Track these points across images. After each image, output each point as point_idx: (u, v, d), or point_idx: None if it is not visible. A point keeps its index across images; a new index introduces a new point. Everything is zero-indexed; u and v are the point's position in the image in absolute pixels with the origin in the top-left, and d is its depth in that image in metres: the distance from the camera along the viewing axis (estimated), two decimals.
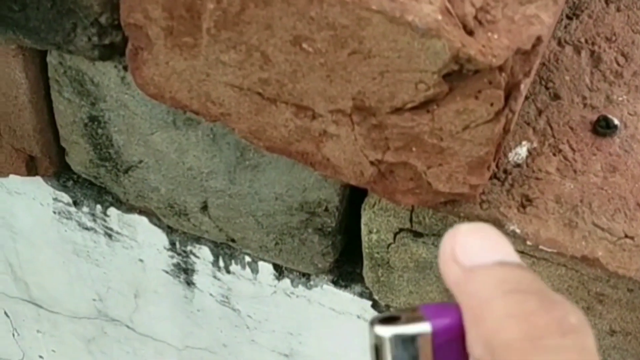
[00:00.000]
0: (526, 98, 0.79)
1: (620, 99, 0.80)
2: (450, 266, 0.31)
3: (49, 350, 1.26)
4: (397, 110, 0.64)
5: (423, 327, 0.31)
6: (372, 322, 0.32)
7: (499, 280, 0.30)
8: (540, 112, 0.79)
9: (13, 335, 1.27)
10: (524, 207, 0.73)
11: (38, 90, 0.83)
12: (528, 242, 0.72)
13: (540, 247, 0.72)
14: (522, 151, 0.76)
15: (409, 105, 0.63)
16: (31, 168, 0.91)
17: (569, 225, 0.73)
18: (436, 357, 0.31)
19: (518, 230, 0.72)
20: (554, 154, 0.76)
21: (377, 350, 0.31)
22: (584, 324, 0.29)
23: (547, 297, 0.29)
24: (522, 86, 0.62)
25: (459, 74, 0.60)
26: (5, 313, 1.23)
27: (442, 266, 0.32)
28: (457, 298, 0.31)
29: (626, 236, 0.72)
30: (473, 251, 0.31)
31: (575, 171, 0.76)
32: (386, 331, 0.31)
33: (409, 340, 0.31)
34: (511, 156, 0.76)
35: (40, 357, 1.29)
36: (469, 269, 0.30)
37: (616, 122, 0.78)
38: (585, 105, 0.80)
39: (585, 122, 0.79)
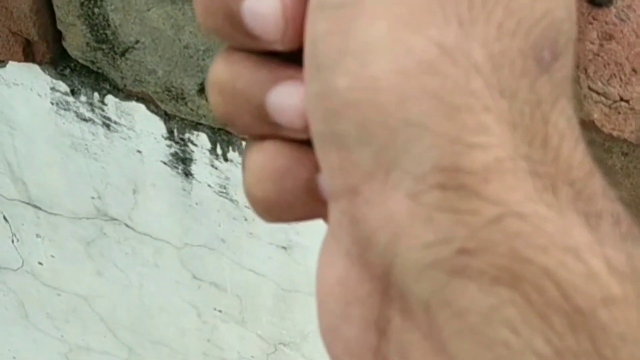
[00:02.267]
0: None
1: None
2: None
3: (48, 256, 1.27)
4: None
5: None
6: None
7: None
8: None
9: (12, 241, 1.28)
10: None
11: None
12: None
13: None
14: None
15: None
16: (28, 53, 0.91)
17: None
18: None
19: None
20: None
21: None
22: None
23: None
24: None
25: None
26: (4, 217, 1.24)
27: None
28: None
29: (621, 99, 0.73)
30: None
31: None
32: None
33: None
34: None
35: (40, 263, 1.30)
36: None
37: None
38: None
39: None
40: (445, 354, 0.24)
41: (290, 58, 0.30)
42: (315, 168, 0.30)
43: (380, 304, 0.26)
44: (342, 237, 0.27)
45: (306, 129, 0.29)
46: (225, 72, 0.31)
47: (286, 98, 0.30)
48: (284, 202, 0.31)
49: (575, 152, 0.25)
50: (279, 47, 0.29)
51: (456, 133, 0.24)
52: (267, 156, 0.31)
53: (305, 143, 0.30)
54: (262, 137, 0.31)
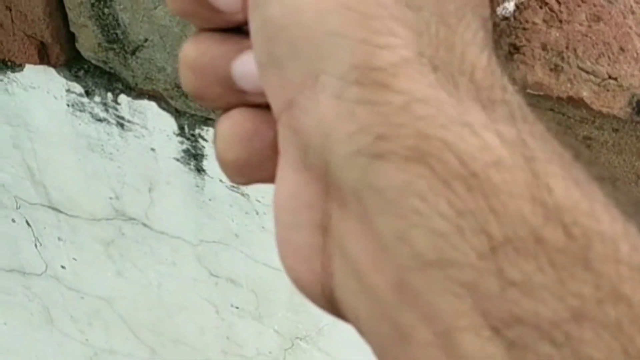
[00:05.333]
0: None
1: None
2: None
3: (70, 259, 1.31)
4: None
5: None
6: None
7: None
8: None
9: (35, 245, 1.32)
10: (511, 54, 0.77)
11: None
12: (515, 87, 0.75)
13: (528, 90, 0.75)
14: (509, 5, 0.80)
15: None
16: (43, 56, 0.95)
17: (554, 69, 0.76)
18: None
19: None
20: (540, 7, 0.80)
21: None
22: None
23: None
24: None
25: None
26: (27, 222, 1.28)
27: None
28: None
29: (610, 77, 0.76)
30: None
31: (560, 21, 0.79)
32: None
33: None
34: (499, 10, 0.79)
35: (62, 267, 1.33)
36: None
37: None
38: None
39: None
40: (373, 231, 0.28)
41: (249, 33, 0.34)
42: None
43: (323, 203, 0.31)
44: (288, 151, 0.32)
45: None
46: (194, 50, 0.36)
47: (249, 65, 0.34)
48: (254, 162, 0.35)
49: (480, 57, 0.29)
50: (240, 17, 0.34)
51: (367, 36, 0.28)
52: (236, 121, 0.35)
53: (269, 107, 0.33)
54: (229, 108, 0.36)
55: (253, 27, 0.32)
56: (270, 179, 0.35)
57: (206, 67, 0.35)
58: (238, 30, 0.35)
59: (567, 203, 0.26)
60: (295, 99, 0.30)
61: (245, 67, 0.35)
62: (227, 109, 0.36)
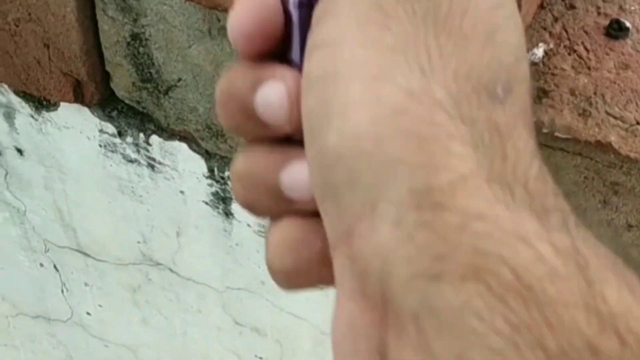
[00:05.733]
0: (543, 7, 0.84)
1: (632, 8, 0.84)
2: None
3: (96, 305, 1.31)
4: None
5: None
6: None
7: None
8: (556, 19, 0.84)
9: (62, 291, 1.32)
10: (539, 98, 0.77)
11: (84, 9, 0.89)
12: (544, 130, 0.76)
13: (556, 133, 0.76)
14: (538, 52, 0.80)
15: None
16: (78, 94, 0.96)
17: (583, 114, 0.77)
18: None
19: (534, 119, 0.76)
20: (569, 54, 0.80)
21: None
22: None
23: None
24: None
25: None
26: (55, 267, 1.29)
27: None
28: None
29: (637, 123, 0.76)
30: None
31: (589, 68, 0.79)
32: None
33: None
34: (528, 56, 0.80)
35: (88, 313, 1.33)
36: None
37: (628, 24, 0.82)
38: (599, 13, 0.84)
39: (599, 26, 0.83)
40: (431, 356, 0.28)
41: (297, 142, 0.34)
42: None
43: (380, 331, 0.30)
44: (345, 280, 0.31)
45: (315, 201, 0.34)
46: (243, 162, 0.36)
47: (296, 175, 0.35)
48: (301, 270, 0.35)
49: (531, 166, 0.29)
50: (287, 129, 0.35)
51: (425, 159, 0.29)
52: (284, 230, 0.36)
53: (317, 215, 0.34)
54: (279, 217, 0.36)
55: (309, 155, 0.32)
56: (315, 286, 0.36)
57: (255, 178, 0.36)
58: (285, 141, 0.36)
59: (621, 310, 0.26)
60: (353, 228, 0.30)
61: (293, 177, 0.35)
62: (277, 217, 0.36)
